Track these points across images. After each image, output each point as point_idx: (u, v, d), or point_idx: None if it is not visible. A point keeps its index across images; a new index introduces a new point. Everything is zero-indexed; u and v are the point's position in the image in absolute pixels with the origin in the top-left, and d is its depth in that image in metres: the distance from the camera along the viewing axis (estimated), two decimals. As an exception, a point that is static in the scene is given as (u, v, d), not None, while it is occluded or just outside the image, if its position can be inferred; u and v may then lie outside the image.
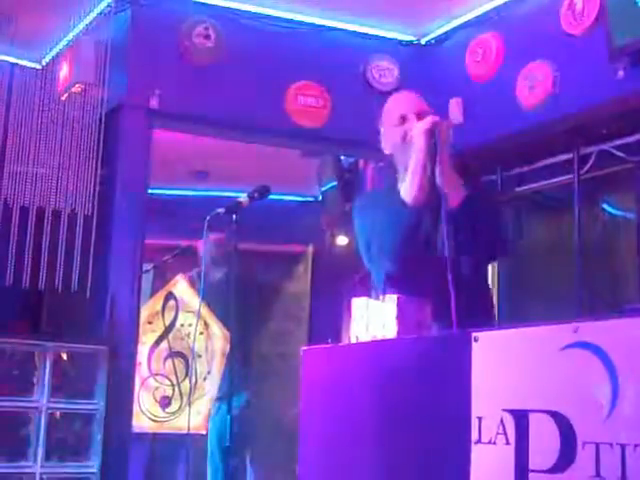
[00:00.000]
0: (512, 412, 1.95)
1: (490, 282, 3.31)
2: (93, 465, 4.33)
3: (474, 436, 2.04)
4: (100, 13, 4.93)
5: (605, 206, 4.62)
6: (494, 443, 1.99)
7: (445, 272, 2.68)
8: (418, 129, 2.93)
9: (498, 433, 1.98)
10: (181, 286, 5.55)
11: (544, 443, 1.86)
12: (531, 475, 1.89)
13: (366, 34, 5.29)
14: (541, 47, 4.55)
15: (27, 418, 4.26)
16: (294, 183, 7.00)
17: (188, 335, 5.32)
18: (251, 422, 5.18)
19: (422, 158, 2.89)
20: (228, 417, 3.72)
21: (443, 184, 2.85)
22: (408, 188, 2.94)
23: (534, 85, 4.55)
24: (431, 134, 2.88)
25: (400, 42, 5.38)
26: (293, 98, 5.10)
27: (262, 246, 6.53)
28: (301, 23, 5.16)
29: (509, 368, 2.00)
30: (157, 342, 5.41)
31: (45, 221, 4.77)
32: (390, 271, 2.99)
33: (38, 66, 5.23)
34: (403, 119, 3.06)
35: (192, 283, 5.37)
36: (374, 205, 3.16)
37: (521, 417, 1.93)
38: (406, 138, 3.00)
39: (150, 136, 4.83)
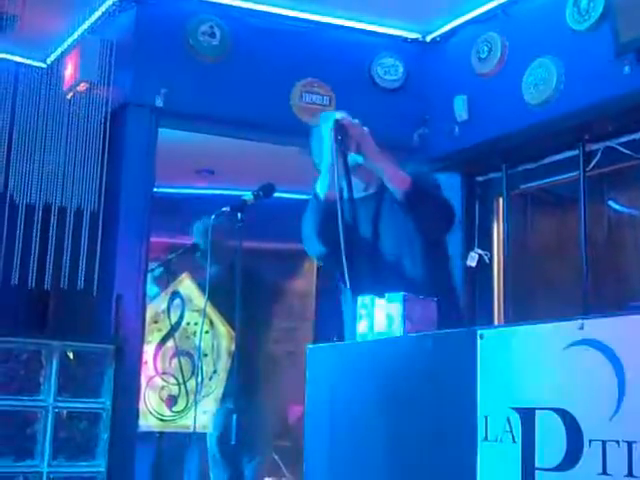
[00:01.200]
0: (518, 410, 1.95)
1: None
2: (100, 464, 4.33)
3: (481, 434, 2.03)
4: (105, 12, 4.94)
5: (611, 203, 4.61)
6: (501, 441, 1.98)
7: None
8: (325, 128, 3.08)
9: (505, 431, 1.97)
10: (187, 284, 5.55)
11: (551, 441, 1.86)
12: (538, 473, 1.88)
13: (371, 32, 5.29)
14: (547, 43, 4.54)
15: (34, 417, 4.26)
16: (299, 181, 6.99)
17: (194, 334, 5.32)
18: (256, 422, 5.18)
19: (331, 157, 3.05)
20: (234, 416, 3.72)
21: (385, 175, 3.07)
22: (319, 185, 3.12)
23: (539, 82, 4.54)
24: (336, 132, 3.03)
25: (405, 40, 5.37)
26: (298, 96, 5.09)
27: (267, 244, 6.53)
28: (306, 21, 5.15)
29: (515, 365, 1.99)
30: (163, 341, 5.41)
31: (51, 219, 4.77)
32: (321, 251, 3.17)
33: (43, 65, 5.24)
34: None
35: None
36: None
37: (527, 415, 1.92)
38: None
39: (155, 134, 4.84)
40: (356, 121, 3.14)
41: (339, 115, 3.11)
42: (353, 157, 3.13)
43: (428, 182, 3.19)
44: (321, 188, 3.12)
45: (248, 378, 4.98)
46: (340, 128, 3.05)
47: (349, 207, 3.15)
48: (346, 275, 2.94)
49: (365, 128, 3.15)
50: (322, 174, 3.13)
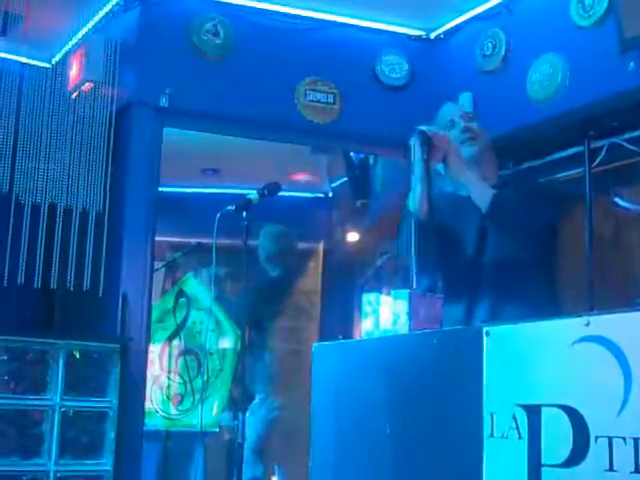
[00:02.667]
0: (524, 406, 1.95)
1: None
2: (106, 463, 4.34)
3: (487, 431, 2.03)
4: (110, 11, 4.94)
5: (617, 199, 4.60)
6: (507, 438, 1.98)
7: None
8: (413, 142, 3.08)
9: (510, 428, 1.97)
10: (192, 284, 5.56)
11: (557, 437, 1.85)
12: (544, 470, 1.88)
13: (375, 29, 5.28)
14: (551, 40, 4.53)
15: (40, 416, 4.27)
16: (304, 180, 7.00)
17: (200, 333, 5.33)
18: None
19: (419, 170, 3.02)
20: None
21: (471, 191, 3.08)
22: (415, 201, 3.07)
23: (544, 78, 4.53)
24: (426, 146, 3.02)
25: (409, 37, 5.36)
26: (303, 94, 5.09)
27: (273, 243, 6.52)
28: (311, 19, 5.15)
29: (521, 362, 1.99)
30: (169, 340, 5.42)
31: (56, 219, 4.78)
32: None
33: (48, 65, 5.24)
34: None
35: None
36: None
37: (533, 411, 1.92)
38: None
39: (160, 134, 4.84)
40: (443, 132, 3.13)
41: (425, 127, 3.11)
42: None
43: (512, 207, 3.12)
44: (412, 202, 3.08)
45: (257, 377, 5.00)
46: (426, 139, 3.04)
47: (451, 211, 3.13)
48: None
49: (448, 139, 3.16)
50: (412, 188, 3.09)
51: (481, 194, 3.11)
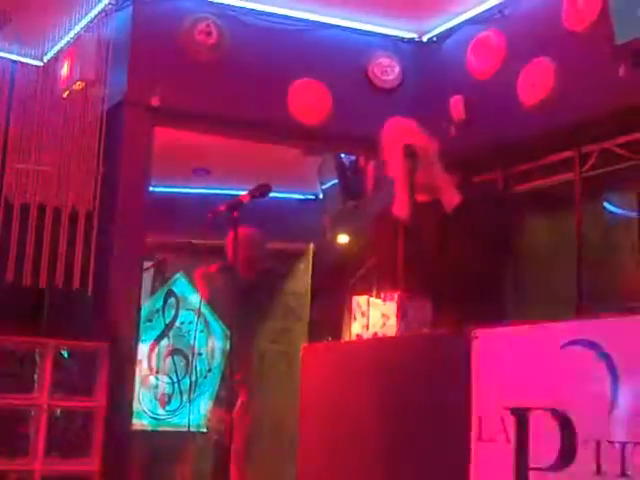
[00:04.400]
0: (512, 410, 1.95)
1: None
2: (93, 462, 4.32)
3: (474, 433, 2.03)
4: (101, 11, 4.93)
5: (606, 204, 4.61)
6: (494, 441, 1.98)
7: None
8: (388, 145, 3.24)
9: (498, 431, 1.98)
10: (181, 284, 5.55)
11: (544, 441, 1.86)
12: (531, 473, 1.89)
13: (368, 31, 5.28)
14: (543, 44, 4.54)
15: (27, 415, 4.26)
16: (295, 181, 7.00)
17: (188, 333, 5.32)
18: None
19: (401, 177, 3.17)
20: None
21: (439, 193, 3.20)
22: (397, 206, 3.23)
23: (536, 83, 4.54)
24: (407, 155, 3.13)
25: (402, 39, 5.37)
26: (294, 95, 5.09)
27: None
28: (303, 20, 5.15)
29: (509, 366, 1.99)
30: (157, 340, 5.41)
31: (46, 218, 4.77)
32: None
33: (40, 63, 5.22)
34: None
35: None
36: None
37: (521, 415, 1.92)
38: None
39: (151, 133, 4.83)
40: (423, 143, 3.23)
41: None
42: None
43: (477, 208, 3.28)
44: (398, 208, 3.23)
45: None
46: (410, 153, 3.15)
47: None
48: None
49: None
50: (399, 195, 3.22)
51: (450, 196, 3.23)
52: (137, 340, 4.77)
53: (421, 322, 2.57)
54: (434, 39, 5.33)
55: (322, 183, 7.11)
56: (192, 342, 5.25)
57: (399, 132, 3.30)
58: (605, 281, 4.47)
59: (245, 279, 4.96)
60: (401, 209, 3.22)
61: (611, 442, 1.71)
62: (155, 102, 4.76)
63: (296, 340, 6.12)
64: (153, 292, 6.06)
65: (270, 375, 5.98)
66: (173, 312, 5.42)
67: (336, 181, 6.81)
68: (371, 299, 2.67)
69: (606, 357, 1.75)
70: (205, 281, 4.84)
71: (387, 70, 5.28)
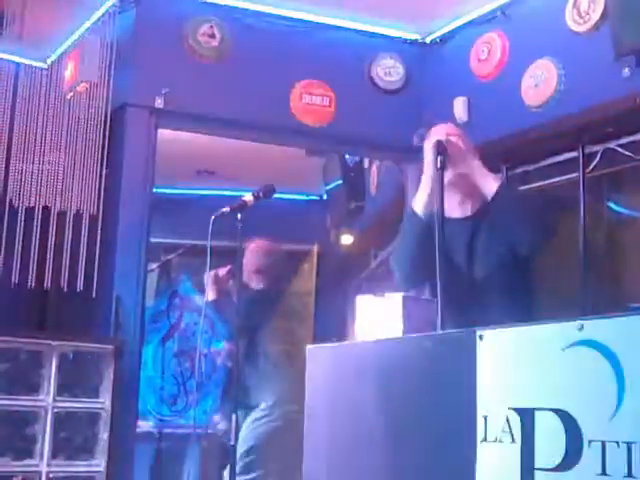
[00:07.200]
0: (518, 410, 1.95)
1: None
2: (99, 464, 4.33)
3: (480, 434, 2.04)
4: (105, 12, 4.93)
5: (611, 204, 4.61)
6: (500, 441, 1.98)
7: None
8: (427, 145, 3.16)
9: (504, 431, 1.98)
10: (186, 285, 5.55)
11: (550, 441, 1.86)
12: (537, 473, 1.88)
13: (371, 33, 5.29)
14: (546, 45, 4.54)
15: (33, 417, 4.26)
16: (299, 182, 7.00)
17: (193, 334, 5.32)
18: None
19: (430, 171, 3.12)
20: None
21: (478, 184, 3.17)
22: (417, 199, 3.20)
23: (539, 83, 4.54)
24: (439, 149, 3.08)
25: (405, 41, 5.37)
26: (298, 97, 5.10)
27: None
28: (306, 22, 5.15)
29: (514, 366, 1.99)
30: (163, 341, 5.42)
31: (50, 220, 4.77)
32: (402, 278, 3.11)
33: (44, 65, 5.23)
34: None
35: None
36: None
37: (527, 415, 1.92)
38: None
39: (155, 135, 4.84)
40: (455, 139, 3.19)
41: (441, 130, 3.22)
42: None
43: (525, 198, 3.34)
44: (418, 204, 3.19)
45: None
46: (442, 149, 3.10)
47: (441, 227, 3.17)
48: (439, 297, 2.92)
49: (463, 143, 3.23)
50: (420, 189, 3.19)
51: (488, 182, 3.19)
52: (142, 341, 4.77)
53: (425, 322, 2.57)
54: (438, 40, 5.33)
55: (326, 184, 7.12)
56: (197, 343, 5.24)
57: (434, 133, 3.27)
58: (610, 281, 4.47)
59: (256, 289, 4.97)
60: (418, 205, 3.19)
61: (617, 442, 1.71)
62: (159, 104, 4.77)
63: (301, 341, 6.12)
64: (158, 293, 6.07)
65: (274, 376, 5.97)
66: (178, 313, 5.43)
67: (340, 182, 6.82)
68: (375, 299, 2.68)
69: (612, 357, 1.75)
70: (215, 283, 4.85)
71: (390, 71, 5.29)
